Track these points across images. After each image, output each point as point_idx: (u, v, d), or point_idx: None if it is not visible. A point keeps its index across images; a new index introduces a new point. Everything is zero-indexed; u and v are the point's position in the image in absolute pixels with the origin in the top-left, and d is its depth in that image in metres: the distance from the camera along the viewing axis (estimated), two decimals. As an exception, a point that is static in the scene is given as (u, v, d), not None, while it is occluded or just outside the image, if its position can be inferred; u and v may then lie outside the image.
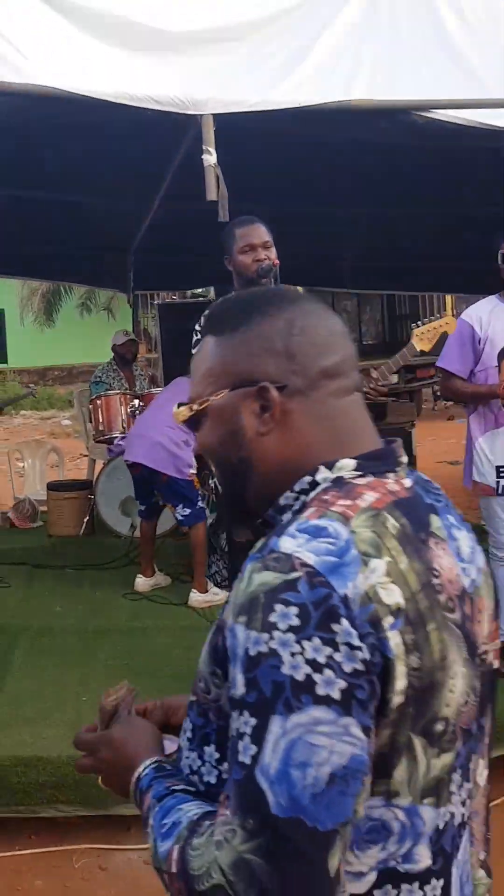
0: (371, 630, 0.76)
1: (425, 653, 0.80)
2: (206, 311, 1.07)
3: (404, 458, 0.96)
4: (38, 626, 3.93)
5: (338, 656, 0.75)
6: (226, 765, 0.85)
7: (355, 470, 0.90)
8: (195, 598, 4.35)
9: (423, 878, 0.82)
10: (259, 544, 0.86)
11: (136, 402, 5.29)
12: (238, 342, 0.95)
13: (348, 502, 0.84)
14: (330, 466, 0.90)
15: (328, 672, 0.75)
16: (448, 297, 11.37)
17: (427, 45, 4.17)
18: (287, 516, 0.91)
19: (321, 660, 0.75)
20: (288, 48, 4.34)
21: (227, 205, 3.32)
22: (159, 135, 4.02)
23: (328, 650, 0.75)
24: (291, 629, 0.75)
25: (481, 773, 0.94)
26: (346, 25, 4.39)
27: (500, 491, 3.27)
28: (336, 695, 0.75)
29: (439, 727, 0.82)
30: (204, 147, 3.29)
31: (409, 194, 5.55)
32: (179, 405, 1.00)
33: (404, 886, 0.81)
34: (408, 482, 0.92)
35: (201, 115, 3.31)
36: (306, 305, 0.96)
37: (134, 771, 0.95)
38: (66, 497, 5.56)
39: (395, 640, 0.78)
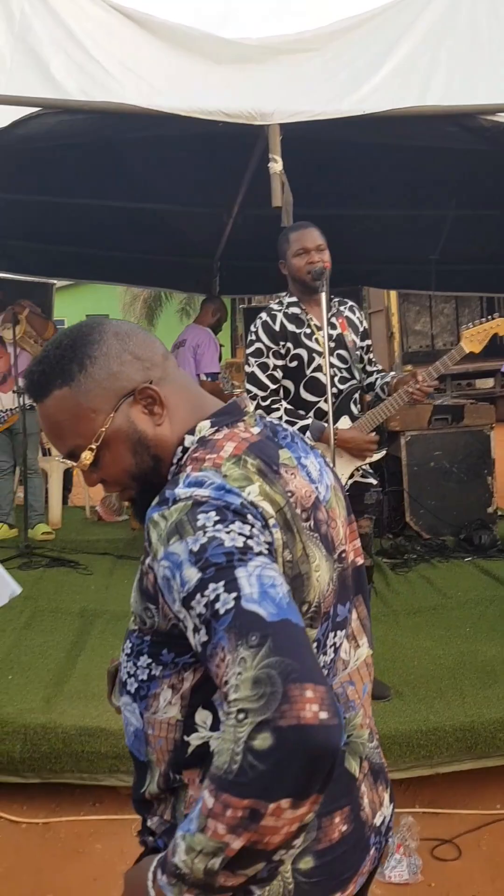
0: (264, 523, 1.00)
1: (293, 550, 1.04)
2: (30, 378, 1.14)
3: (249, 408, 1.18)
4: (114, 611, 4.15)
5: (255, 531, 0.97)
6: (152, 667, 1.08)
7: (211, 427, 1.12)
8: None
9: None
10: (156, 501, 1.03)
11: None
12: (94, 374, 1.10)
13: (214, 455, 1.06)
14: (192, 432, 1.12)
15: (255, 539, 0.96)
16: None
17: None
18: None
19: (247, 532, 0.96)
20: (364, 56, 4.41)
21: (292, 210, 3.45)
22: (236, 143, 4.18)
23: (248, 528, 0.96)
24: (217, 522, 0.96)
25: (349, 651, 1.18)
26: (423, 32, 4.43)
27: None
28: (265, 550, 0.96)
29: (305, 608, 1.05)
30: (270, 156, 3.42)
31: (493, 196, 5.52)
32: (69, 458, 1.16)
33: None
34: (256, 429, 1.14)
35: (268, 126, 3.43)
36: (107, 323, 1.15)
37: (149, 873, 0.94)
38: (149, 492, 5.78)
39: (276, 535, 1.01)
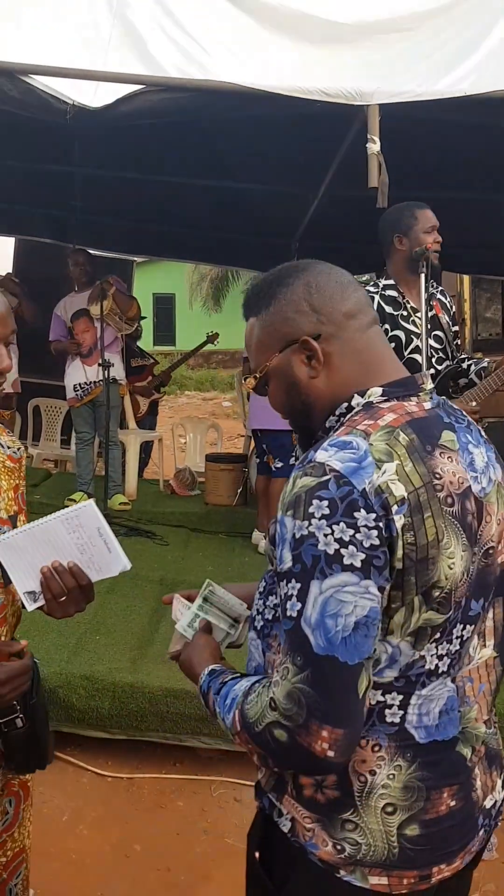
0: (384, 513, 1.03)
1: (419, 533, 1.04)
2: (245, 298, 1.26)
3: (427, 386, 1.19)
4: (192, 581, 4.22)
5: (359, 536, 1.01)
6: (278, 609, 1.12)
7: (382, 396, 1.15)
8: (263, 545, 4.81)
9: (386, 687, 1.09)
10: (303, 456, 1.11)
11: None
12: (273, 314, 1.19)
13: (371, 422, 1.10)
14: (362, 394, 1.16)
15: (352, 548, 1.01)
16: None
17: None
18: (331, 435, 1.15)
19: (346, 538, 1.01)
20: (461, 36, 4.36)
21: (388, 191, 3.46)
22: (328, 124, 4.19)
23: (351, 531, 1.01)
24: (324, 517, 1.02)
25: (476, 648, 1.18)
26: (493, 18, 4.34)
27: None
28: (358, 563, 1.01)
29: (436, 592, 1.07)
30: (369, 136, 3.43)
31: None
32: (245, 377, 1.27)
33: (372, 691, 1.08)
34: (428, 405, 1.17)
35: (367, 106, 3.44)
36: (316, 268, 1.21)
37: (198, 680, 1.25)
38: (223, 469, 5.89)
39: (399, 521, 1.03)
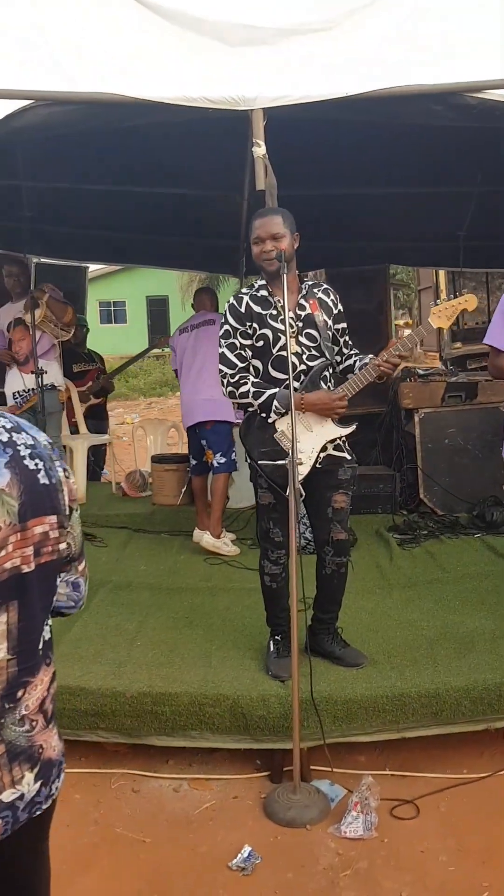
0: None
1: None
2: None
3: None
4: (119, 581, 4.34)
5: None
6: None
7: None
8: (207, 539, 4.96)
9: None
10: None
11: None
12: None
13: None
14: None
15: None
16: None
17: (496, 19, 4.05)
18: None
19: None
20: (359, 36, 4.38)
21: (276, 193, 3.54)
22: (238, 127, 4.26)
23: None
24: None
25: None
26: (410, 11, 4.37)
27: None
28: None
29: None
30: (253, 140, 3.51)
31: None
32: None
33: None
34: None
35: (252, 110, 3.51)
36: None
37: None
38: (167, 469, 5.98)
39: None
